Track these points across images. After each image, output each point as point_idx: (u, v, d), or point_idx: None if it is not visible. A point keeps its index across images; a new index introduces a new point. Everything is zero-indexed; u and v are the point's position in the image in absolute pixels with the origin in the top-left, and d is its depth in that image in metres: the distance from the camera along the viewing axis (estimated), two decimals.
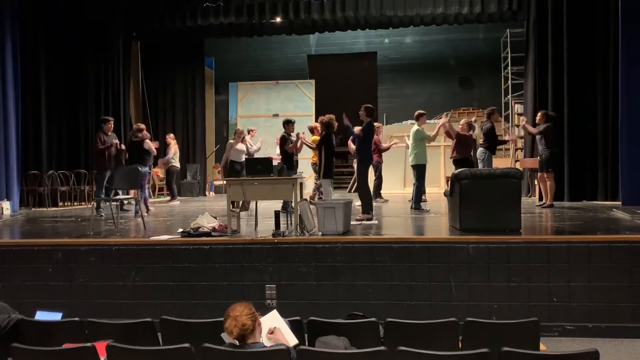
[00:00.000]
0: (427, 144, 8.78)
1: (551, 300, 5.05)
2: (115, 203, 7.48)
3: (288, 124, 8.60)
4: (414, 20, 12.04)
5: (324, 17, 11.62)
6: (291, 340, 3.30)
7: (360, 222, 6.81)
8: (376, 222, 6.99)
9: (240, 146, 9.70)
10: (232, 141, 9.86)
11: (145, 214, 8.45)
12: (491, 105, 13.73)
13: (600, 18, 9.33)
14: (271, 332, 3.29)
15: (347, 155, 13.83)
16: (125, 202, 8.90)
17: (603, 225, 6.34)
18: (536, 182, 10.29)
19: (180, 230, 6.06)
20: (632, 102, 8.01)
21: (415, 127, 8.78)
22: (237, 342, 3.07)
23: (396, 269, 5.25)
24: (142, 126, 9.16)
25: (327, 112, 8.18)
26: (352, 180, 12.66)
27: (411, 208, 8.54)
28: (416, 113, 9.03)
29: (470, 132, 8.43)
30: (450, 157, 8.57)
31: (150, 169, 9.23)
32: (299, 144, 8.47)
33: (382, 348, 3.02)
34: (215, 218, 6.16)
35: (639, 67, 7.98)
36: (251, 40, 14.66)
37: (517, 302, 5.08)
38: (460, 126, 8.47)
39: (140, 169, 8.15)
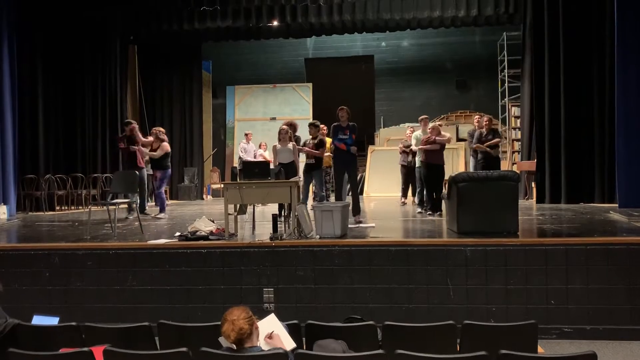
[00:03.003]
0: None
1: (549, 303, 5.06)
2: (113, 207, 7.45)
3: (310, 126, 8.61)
4: (410, 23, 12.07)
5: (321, 20, 11.63)
6: (289, 344, 3.30)
7: (358, 225, 6.83)
8: (374, 225, 7.00)
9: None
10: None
11: (162, 216, 8.72)
12: (488, 108, 13.86)
13: (596, 20, 9.36)
14: (269, 336, 3.29)
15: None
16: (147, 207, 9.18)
17: (600, 227, 6.35)
18: (533, 185, 10.34)
19: (178, 234, 6.05)
20: (628, 104, 8.02)
21: (419, 131, 8.82)
22: (234, 346, 3.06)
23: (394, 272, 5.25)
24: (162, 130, 9.22)
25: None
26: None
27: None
28: (419, 118, 9.11)
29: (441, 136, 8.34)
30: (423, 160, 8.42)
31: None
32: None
33: (380, 351, 3.02)
34: (213, 222, 6.15)
35: (636, 69, 7.99)
36: (248, 44, 14.68)
37: (514, 304, 5.09)
38: (430, 130, 8.37)
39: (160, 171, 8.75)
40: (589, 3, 9.45)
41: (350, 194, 7.83)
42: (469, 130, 10.11)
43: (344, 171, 7.49)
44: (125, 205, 8.55)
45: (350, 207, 7.26)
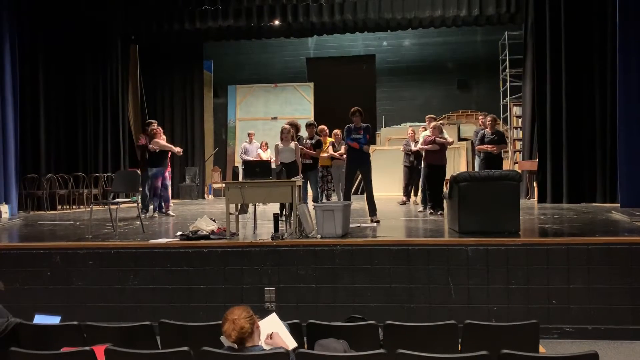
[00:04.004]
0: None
1: (550, 303, 5.05)
2: (114, 206, 7.47)
3: (308, 126, 8.63)
4: (412, 23, 12.05)
5: (322, 20, 11.62)
6: (290, 343, 3.30)
7: (359, 225, 6.83)
8: (375, 224, 7.00)
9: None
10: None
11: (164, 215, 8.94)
12: (489, 107, 13.85)
13: (598, 20, 9.34)
14: (269, 337, 3.29)
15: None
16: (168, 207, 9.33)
17: (602, 227, 6.34)
18: (535, 184, 10.34)
19: (179, 233, 6.06)
20: (630, 103, 8.01)
21: (427, 130, 8.84)
22: (235, 346, 3.06)
23: (395, 272, 5.25)
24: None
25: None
26: (360, 184, 12.63)
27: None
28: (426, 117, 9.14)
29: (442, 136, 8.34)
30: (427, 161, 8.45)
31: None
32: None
33: (381, 351, 3.01)
34: (214, 221, 6.15)
35: (637, 68, 7.98)
36: (250, 44, 14.67)
37: (516, 304, 5.08)
38: (431, 130, 8.35)
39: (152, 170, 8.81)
40: (590, 2, 9.43)
41: (363, 194, 7.80)
42: (476, 129, 10.11)
43: (355, 170, 7.48)
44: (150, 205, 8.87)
45: (367, 208, 7.31)
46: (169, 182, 9.36)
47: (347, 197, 7.40)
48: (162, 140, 8.97)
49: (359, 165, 7.42)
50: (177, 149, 9.31)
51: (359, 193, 12.92)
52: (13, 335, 3.78)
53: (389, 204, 10.27)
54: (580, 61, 9.47)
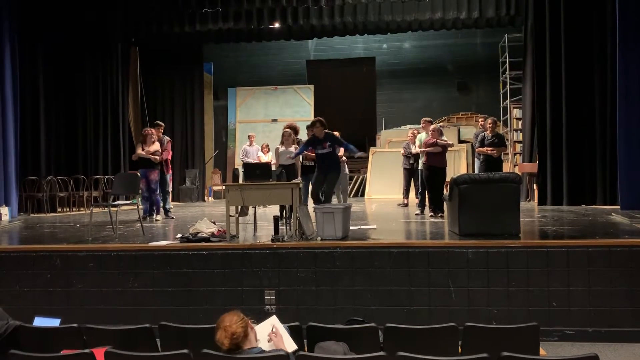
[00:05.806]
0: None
1: (551, 305, 5.05)
2: (114, 208, 7.48)
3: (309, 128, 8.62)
4: (412, 25, 12.07)
5: (322, 22, 11.64)
6: (290, 346, 3.29)
7: (359, 227, 6.83)
8: (375, 226, 6.99)
9: None
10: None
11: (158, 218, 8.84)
12: (489, 110, 13.86)
13: (597, 22, 9.35)
14: (273, 333, 3.29)
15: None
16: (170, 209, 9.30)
17: (602, 229, 6.34)
18: (535, 187, 10.34)
19: (179, 235, 6.05)
20: (629, 106, 8.02)
21: (422, 133, 8.85)
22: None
23: (395, 274, 5.25)
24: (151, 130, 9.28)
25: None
26: (356, 187, 12.65)
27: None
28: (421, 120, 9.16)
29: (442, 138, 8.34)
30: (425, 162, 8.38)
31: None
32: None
33: (381, 353, 3.01)
34: (214, 223, 6.15)
35: (636, 70, 7.99)
36: (250, 46, 14.70)
37: (516, 306, 5.08)
38: (431, 132, 8.36)
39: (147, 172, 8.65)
40: (590, 5, 9.44)
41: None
42: (476, 132, 10.10)
43: (324, 177, 7.25)
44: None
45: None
46: (160, 187, 9.15)
47: (316, 201, 7.16)
48: (138, 149, 8.86)
49: (327, 173, 7.19)
50: (153, 157, 8.85)
51: (356, 196, 12.94)
52: (13, 338, 3.77)
53: (389, 206, 10.28)
54: (580, 63, 9.48)
